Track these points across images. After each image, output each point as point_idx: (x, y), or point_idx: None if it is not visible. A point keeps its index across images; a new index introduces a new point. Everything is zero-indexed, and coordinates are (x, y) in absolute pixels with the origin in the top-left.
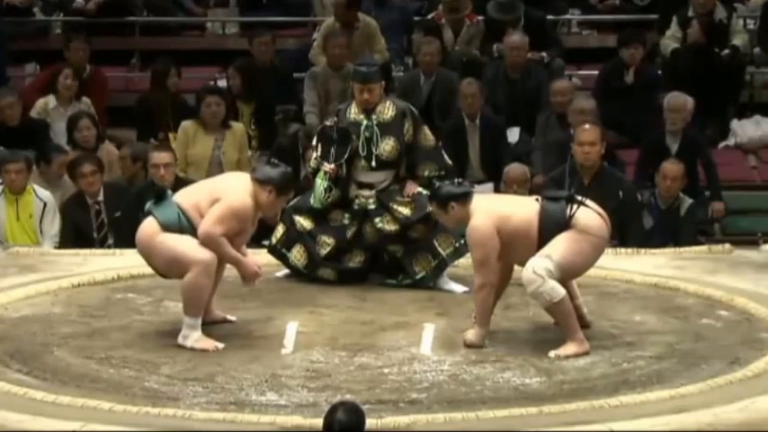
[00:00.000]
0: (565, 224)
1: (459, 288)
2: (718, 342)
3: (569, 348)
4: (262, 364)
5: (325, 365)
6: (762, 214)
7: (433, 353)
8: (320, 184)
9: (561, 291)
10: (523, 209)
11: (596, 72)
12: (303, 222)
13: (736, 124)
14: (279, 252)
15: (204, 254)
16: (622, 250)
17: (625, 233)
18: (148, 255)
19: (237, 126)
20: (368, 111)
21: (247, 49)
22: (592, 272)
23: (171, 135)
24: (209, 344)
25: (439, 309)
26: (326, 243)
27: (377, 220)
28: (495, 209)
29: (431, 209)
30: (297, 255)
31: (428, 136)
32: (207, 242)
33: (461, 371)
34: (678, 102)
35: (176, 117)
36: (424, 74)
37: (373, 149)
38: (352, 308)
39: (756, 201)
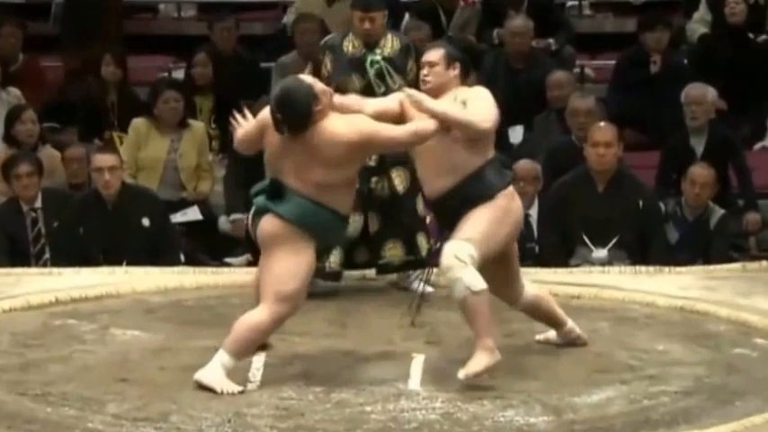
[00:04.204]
0: (498, 190)
1: (429, 288)
2: (754, 375)
3: (480, 361)
4: (224, 401)
5: (297, 403)
6: None
7: (422, 388)
8: None
9: (481, 283)
10: (490, 139)
11: (613, 61)
12: None
13: None
14: None
15: (295, 306)
16: (643, 269)
17: (647, 248)
18: (264, 251)
19: (197, 125)
20: (370, 44)
21: (207, 34)
22: (607, 294)
23: (116, 135)
24: (232, 387)
25: (429, 336)
26: None
27: (374, 179)
28: None
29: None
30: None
31: None
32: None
33: (456, 409)
34: (698, 93)
35: (124, 114)
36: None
37: (391, 85)
38: (329, 335)
39: None
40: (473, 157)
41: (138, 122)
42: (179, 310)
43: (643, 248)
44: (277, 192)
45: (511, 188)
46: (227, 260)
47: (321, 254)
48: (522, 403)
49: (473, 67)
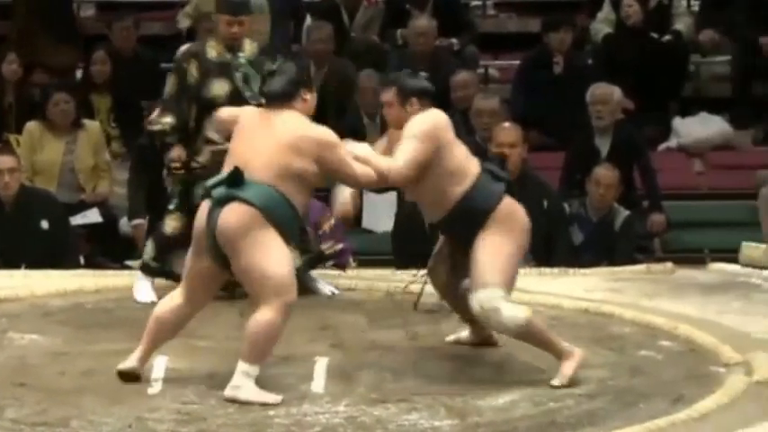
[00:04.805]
0: (492, 208)
1: (327, 289)
2: (659, 377)
3: (567, 367)
4: (125, 405)
5: (199, 407)
6: (708, 228)
7: (326, 391)
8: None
9: (521, 312)
10: (467, 157)
11: (517, 62)
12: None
13: (678, 123)
14: (157, 270)
15: (296, 291)
16: (548, 270)
17: (551, 250)
18: (240, 244)
19: (92, 125)
20: (233, 48)
21: (106, 33)
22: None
23: (12, 137)
24: (270, 397)
25: (333, 339)
26: None
27: None
28: (447, 126)
29: (388, 96)
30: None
31: None
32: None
33: (360, 412)
34: (603, 92)
35: (22, 115)
36: (314, 64)
37: (255, 89)
38: (231, 338)
39: (702, 212)
40: (452, 186)
41: (32, 126)
42: (78, 313)
43: (547, 250)
44: (238, 180)
45: (506, 199)
46: (128, 263)
47: None
48: (426, 406)
49: (373, 66)
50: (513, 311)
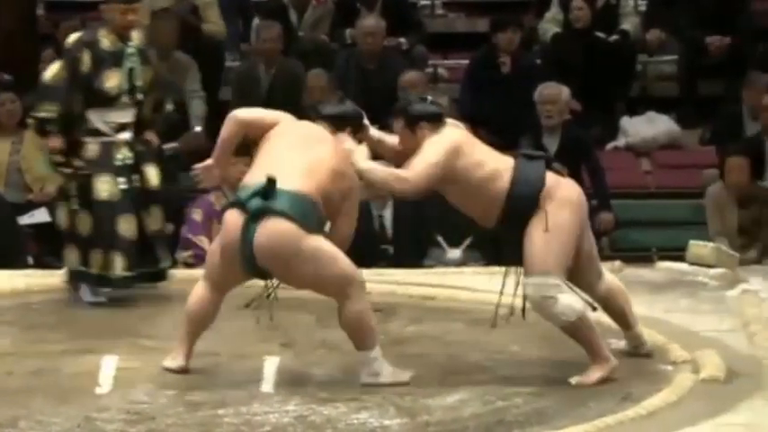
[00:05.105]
0: (538, 191)
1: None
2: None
3: (595, 373)
4: (74, 405)
5: (148, 406)
6: (656, 227)
7: (276, 390)
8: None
9: (577, 305)
10: (496, 158)
11: (466, 61)
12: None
13: (626, 122)
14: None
15: (358, 271)
16: (497, 269)
17: (501, 249)
18: (289, 262)
19: None
20: (125, 38)
21: (52, 32)
22: (462, 295)
23: None
24: (406, 375)
25: (283, 338)
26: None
27: (134, 177)
28: (465, 137)
29: (398, 126)
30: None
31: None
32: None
33: (310, 411)
34: (552, 92)
35: None
36: (263, 64)
37: (144, 77)
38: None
39: (650, 211)
40: (493, 190)
41: None
42: (26, 313)
43: (498, 249)
44: (271, 192)
45: (549, 177)
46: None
47: None
48: (376, 405)
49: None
50: (568, 303)
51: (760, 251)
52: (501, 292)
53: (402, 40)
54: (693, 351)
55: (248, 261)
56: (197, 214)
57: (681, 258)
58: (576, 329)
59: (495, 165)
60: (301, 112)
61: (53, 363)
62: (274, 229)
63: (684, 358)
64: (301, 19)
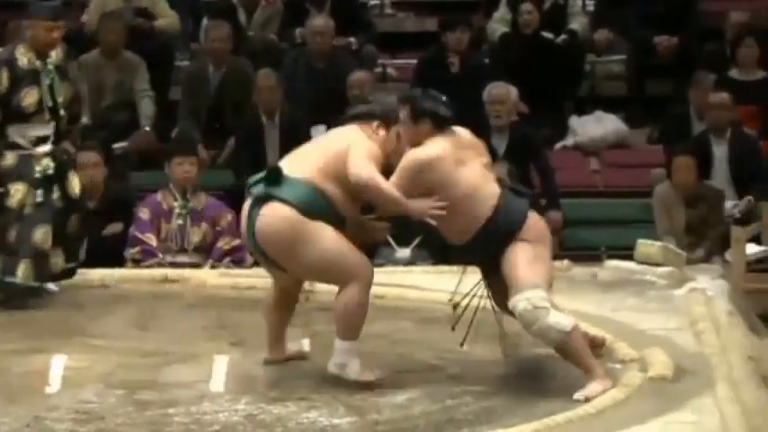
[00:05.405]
0: (518, 226)
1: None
2: (557, 374)
3: (594, 388)
4: (23, 405)
5: (98, 406)
6: (605, 226)
7: (225, 389)
8: None
9: (567, 321)
10: (480, 182)
11: (415, 61)
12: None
13: (575, 121)
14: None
15: (368, 266)
16: (446, 268)
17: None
18: (289, 248)
19: None
20: (43, 55)
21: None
22: (411, 294)
23: None
24: (373, 375)
25: (233, 337)
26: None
27: (56, 187)
28: (454, 151)
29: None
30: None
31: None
32: (369, 188)
33: (259, 410)
34: (500, 91)
35: None
36: (213, 64)
37: (62, 93)
38: (130, 337)
39: (599, 210)
40: (473, 211)
41: None
42: None
43: (445, 248)
44: (276, 178)
45: (531, 214)
46: None
47: None
48: (325, 404)
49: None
50: (558, 318)
51: (707, 250)
52: (468, 294)
53: (351, 39)
54: (641, 349)
55: (256, 247)
56: (144, 213)
57: (629, 257)
58: (567, 345)
59: (476, 188)
60: (250, 112)
61: (2, 362)
62: (273, 213)
63: (632, 357)
64: (251, 19)
